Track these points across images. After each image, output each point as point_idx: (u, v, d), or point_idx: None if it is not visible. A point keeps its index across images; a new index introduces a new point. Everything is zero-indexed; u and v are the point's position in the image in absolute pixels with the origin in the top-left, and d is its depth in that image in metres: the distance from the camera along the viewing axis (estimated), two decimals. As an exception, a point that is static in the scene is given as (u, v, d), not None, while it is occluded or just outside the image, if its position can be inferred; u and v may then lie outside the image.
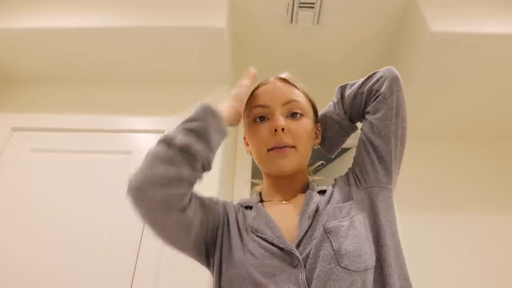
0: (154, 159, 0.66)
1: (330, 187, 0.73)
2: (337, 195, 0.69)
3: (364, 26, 1.81)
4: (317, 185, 0.76)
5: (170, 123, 1.65)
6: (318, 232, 0.60)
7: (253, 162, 1.99)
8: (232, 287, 0.59)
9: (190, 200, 0.63)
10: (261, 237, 0.63)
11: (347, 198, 0.69)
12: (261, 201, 0.76)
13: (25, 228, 1.41)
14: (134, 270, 1.31)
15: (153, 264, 1.32)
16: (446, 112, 1.84)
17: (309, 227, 0.62)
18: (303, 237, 0.61)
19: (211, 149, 0.65)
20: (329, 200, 0.68)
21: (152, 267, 1.31)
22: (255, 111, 0.74)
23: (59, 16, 1.61)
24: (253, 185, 2.04)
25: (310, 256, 0.58)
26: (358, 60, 2.02)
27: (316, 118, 0.80)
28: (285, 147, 0.69)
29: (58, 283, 1.30)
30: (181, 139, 0.65)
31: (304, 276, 0.56)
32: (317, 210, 0.65)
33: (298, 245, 0.60)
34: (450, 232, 1.71)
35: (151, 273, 1.30)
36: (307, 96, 0.78)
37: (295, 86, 0.76)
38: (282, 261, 0.59)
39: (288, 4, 1.71)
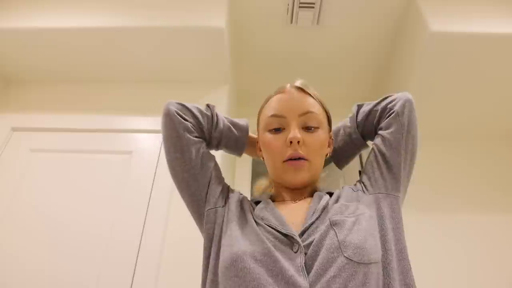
0: (194, 106, 0.80)
1: (337, 190, 0.75)
2: (344, 197, 0.71)
3: (364, 26, 1.81)
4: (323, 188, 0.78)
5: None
6: (323, 225, 0.61)
7: (253, 162, 1.99)
8: (234, 263, 0.59)
9: (202, 145, 0.77)
10: (266, 224, 0.65)
11: (355, 200, 0.70)
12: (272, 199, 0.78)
13: (25, 228, 1.41)
14: (134, 270, 1.31)
15: (153, 264, 1.32)
16: (446, 112, 1.84)
17: (315, 220, 0.64)
18: (308, 227, 0.62)
19: (224, 138, 0.81)
20: (337, 200, 0.70)
21: (152, 267, 1.31)
22: (270, 121, 0.75)
23: (59, 16, 1.61)
24: (253, 185, 2.04)
25: (313, 244, 0.58)
26: (358, 60, 2.02)
27: (330, 127, 0.80)
28: (299, 159, 0.70)
29: (58, 283, 1.30)
30: (220, 114, 0.82)
31: (304, 261, 0.56)
32: (324, 208, 0.67)
33: (302, 234, 0.61)
34: (451, 232, 1.71)
35: (151, 273, 1.30)
36: (322, 105, 0.78)
37: (310, 95, 0.76)
38: (284, 246, 0.60)
39: (288, 4, 1.71)
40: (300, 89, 0.76)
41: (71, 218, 1.42)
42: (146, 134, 1.63)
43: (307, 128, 0.73)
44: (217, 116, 0.81)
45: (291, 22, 1.79)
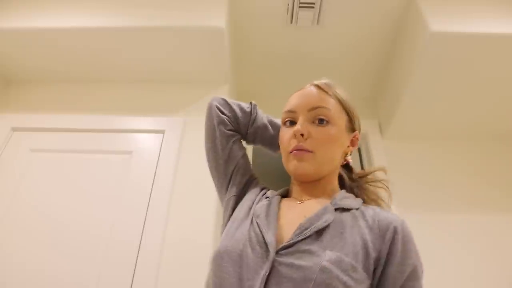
0: (236, 103, 0.88)
1: (356, 212, 0.67)
2: (359, 228, 0.64)
3: (364, 26, 1.81)
4: (346, 196, 0.73)
5: (170, 123, 1.66)
6: (309, 258, 0.57)
7: (253, 161, 1.99)
8: (215, 257, 0.63)
9: (235, 137, 0.84)
10: (257, 223, 0.66)
11: (360, 247, 0.61)
12: (285, 195, 0.79)
13: (25, 228, 1.41)
14: (134, 270, 1.31)
15: (153, 264, 1.32)
16: (446, 112, 1.84)
17: (302, 239, 0.60)
18: (291, 246, 0.60)
19: (260, 136, 0.86)
20: (342, 225, 0.64)
21: (152, 267, 1.31)
22: (284, 116, 0.78)
23: (59, 16, 1.61)
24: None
25: (288, 265, 0.57)
26: (358, 60, 2.02)
27: (353, 126, 0.79)
28: (302, 150, 0.70)
29: (58, 283, 1.30)
30: (260, 113, 0.88)
31: (267, 274, 0.56)
32: (321, 230, 0.61)
33: (283, 248, 0.59)
34: (451, 232, 1.71)
35: (151, 273, 1.30)
36: (342, 104, 0.77)
37: (326, 93, 0.76)
38: (262, 251, 0.60)
39: (288, 4, 1.71)
40: (317, 86, 0.78)
41: (71, 218, 1.42)
42: (146, 134, 1.63)
43: (319, 122, 0.73)
44: (256, 114, 0.86)
45: (291, 22, 1.79)
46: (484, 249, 1.67)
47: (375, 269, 0.61)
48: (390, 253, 0.62)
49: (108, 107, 1.74)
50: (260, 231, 0.63)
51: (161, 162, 1.54)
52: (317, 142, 0.71)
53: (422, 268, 0.64)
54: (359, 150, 2.12)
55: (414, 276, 0.62)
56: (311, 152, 0.70)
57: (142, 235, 1.38)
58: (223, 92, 1.75)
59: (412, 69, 1.64)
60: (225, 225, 0.74)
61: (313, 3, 1.68)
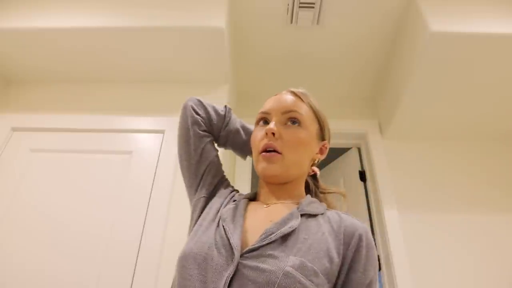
0: (211, 105, 0.88)
1: (321, 218, 0.69)
2: (321, 233, 0.65)
3: (364, 26, 1.81)
4: (312, 201, 0.74)
5: (170, 123, 1.66)
6: (274, 262, 0.57)
7: (252, 162, 1.99)
8: (180, 259, 0.64)
9: (208, 137, 0.85)
10: (223, 226, 0.66)
11: (324, 253, 0.62)
12: (253, 199, 0.79)
13: (25, 228, 1.41)
14: (134, 270, 1.31)
15: (153, 264, 1.32)
16: (446, 112, 1.84)
17: (267, 244, 0.61)
18: (256, 249, 0.60)
19: (230, 137, 0.87)
20: (306, 230, 0.65)
21: (152, 267, 1.31)
22: (258, 116, 0.79)
23: (59, 16, 1.61)
24: (252, 185, 2.04)
25: (252, 268, 0.57)
26: (358, 60, 2.02)
27: (322, 135, 0.81)
28: (273, 151, 0.71)
29: (58, 283, 1.30)
30: (234, 117, 0.89)
31: (231, 277, 0.57)
32: (286, 235, 0.62)
33: (248, 251, 0.60)
34: (450, 232, 1.71)
35: (151, 273, 1.30)
36: (314, 112, 0.79)
37: (301, 100, 0.78)
38: (227, 254, 0.60)
39: (288, 4, 1.71)
40: (293, 93, 0.80)
41: (71, 218, 1.42)
42: (146, 134, 1.63)
43: (288, 124, 0.75)
44: (230, 118, 0.87)
45: (291, 22, 1.79)
46: (484, 249, 1.67)
47: (338, 274, 0.62)
48: (354, 260, 0.63)
49: (108, 107, 1.74)
50: (226, 234, 0.64)
51: (161, 162, 1.54)
52: (287, 144, 0.72)
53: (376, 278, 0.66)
54: (359, 150, 2.13)
55: (373, 285, 0.65)
56: (280, 154, 0.71)
57: (142, 235, 1.38)
58: (223, 92, 1.75)
59: (412, 69, 1.64)
60: (193, 226, 0.74)
61: (313, 3, 1.68)
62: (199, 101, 0.86)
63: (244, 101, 2.15)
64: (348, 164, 2.11)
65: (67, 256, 1.34)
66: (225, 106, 0.89)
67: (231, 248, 0.61)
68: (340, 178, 2.13)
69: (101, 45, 1.65)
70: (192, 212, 0.79)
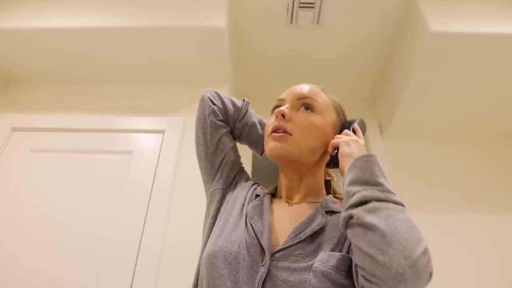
0: (228, 97, 0.89)
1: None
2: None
3: (364, 26, 1.81)
4: (334, 201, 0.73)
5: (170, 123, 1.66)
6: (304, 260, 0.58)
7: (253, 160, 1.98)
8: (209, 257, 0.62)
9: (226, 129, 0.84)
10: (252, 226, 0.65)
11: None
12: (274, 195, 0.78)
13: (25, 228, 1.41)
14: (134, 270, 1.31)
15: (153, 264, 1.32)
16: (446, 112, 1.84)
17: (297, 243, 0.61)
18: (285, 249, 0.60)
19: (248, 132, 0.86)
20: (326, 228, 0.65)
21: (152, 267, 1.31)
22: (274, 104, 0.79)
23: (59, 16, 1.61)
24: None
25: (283, 268, 0.57)
26: (358, 60, 2.02)
27: (340, 126, 0.78)
28: (282, 132, 0.70)
29: (58, 283, 1.30)
30: (251, 110, 0.89)
31: (263, 278, 0.56)
32: (315, 233, 0.63)
33: (278, 251, 0.60)
34: (450, 232, 1.71)
35: (151, 273, 1.30)
36: (333, 103, 0.78)
37: (320, 90, 0.78)
38: (257, 255, 0.60)
39: (288, 4, 1.71)
40: (311, 84, 0.80)
41: (71, 218, 1.42)
42: (146, 134, 1.63)
43: (302, 109, 0.74)
44: (247, 110, 0.87)
45: (291, 22, 1.79)
46: (484, 249, 1.67)
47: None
48: None
49: (108, 107, 1.74)
50: (255, 234, 0.63)
51: (161, 162, 1.54)
52: (297, 125, 0.71)
53: None
54: (359, 150, 2.12)
55: None
56: (290, 135, 0.70)
57: (142, 235, 1.38)
58: (223, 92, 1.74)
59: (412, 69, 1.64)
60: (212, 219, 0.74)
61: (313, 3, 1.68)
62: (216, 92, 0.87)
63: (244, 101, 2.15)
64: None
65: (67, 256, 1.34)
66: (243, 100, 0.89)
67: (262, 248, 0.60)
68: (340, 178, 2.12)
69: (101, 45, 1.65)
70: (209, 203, 0.79)
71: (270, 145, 0.72)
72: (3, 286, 1.31)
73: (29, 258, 1.35)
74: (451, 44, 1.51)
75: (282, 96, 0.78)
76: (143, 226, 1.39)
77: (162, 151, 1.57)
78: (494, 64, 1.59)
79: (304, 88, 0.77)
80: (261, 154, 0.87)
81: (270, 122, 0.75)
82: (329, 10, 1.73)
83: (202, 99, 0.86)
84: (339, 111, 0.79)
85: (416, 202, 1.80)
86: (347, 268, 0.57)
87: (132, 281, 1.29)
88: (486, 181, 1.86)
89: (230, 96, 0.89)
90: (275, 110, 0.75)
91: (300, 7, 1.70)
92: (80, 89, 1.80)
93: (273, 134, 0.71)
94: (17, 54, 1.69)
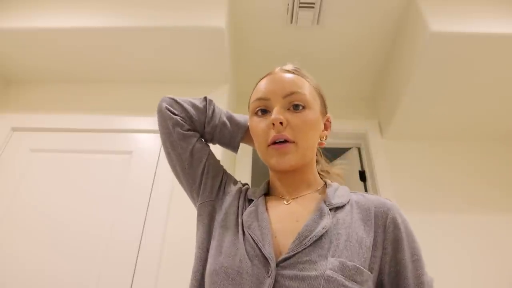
0: (187, 100, 0.79)
1: (348, 206, 0.66)
2: (351, 227, 0.62)
3: (364, 26, 1.81)
4: (335, 188, 0.71)
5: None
6: (313, 269, 0.55)
7: (253, 158, 1.99)
8: (211, 275, 0.60)
9: (195, 135, 0.77)
10: (251, 235, 0.62)
11: (365, 249, 0.60)
12: (267, 193, 0.74)
13: (25, 228, 1.41)
14: (134, 270, 1.31)
15: (153, 264, 1.32)
16: (446, 112, 1.84)
17: (302, 250, 0.57)
18: (291, 257, 0.57)
19: (217, 132, 0.79)
20: (344, 224, 0.62)
21: (152, 267, 1.31)
22: (255, 104, 0.72)
23: (59, 16, 1.61)
24: (252, 181, 2.02)
25: (291, 277, 0.54)
26: (358, 60, 2.02)
27: (325, 109, 0.76)
28: (285, 141, 0.65)
29: (58, 283, 1.30)
30: (218, 109, 0.81)
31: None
32: (320, 236, 0.59)
33: (283, 260, 0.57)
34: (450, 232, 1.71)
35: (151, 273, 1.30)
36: (314, 86, 0.74)
37: (300, 77, 0.73)
38: (261, 265, 0.57)
39: (288, 4, 1.71)
40: (288, 71, 0.74)
41: (71, 218, 1.42)
42: (146, 134, 1.63)
43: (293, 108, 0.68)
44: (212, 111, 0.78)
45: (291, 22, 1.79)
46: (484, 249, 1.67)
47: (381, 259, 0.61)
48: (395, 240, 0.63)
49: (108, 107, 1.74)
50: (256, 244, 0.60)
51: (161, 162, 1.54)
52: (297, 130, 0.66)
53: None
54: (359, 150, 2.13)
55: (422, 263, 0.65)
56: (293, 142, 0.66)
57: (142, 235, 1.38)
58: (223, 92, 1.75)
59: (412, 69, 1.64)
60: (206, 234, 0.70)
61: (313, 3, 1.68)
62: (172, 99, 0.77)
63: (244, 101, 2.13)
64: (348, 164, 2.11)
65: (67, 256, 1.34)
66: (205, 98, 0.80)
67: (265, 259, 0.57)
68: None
69: (101, 45, 1.65)
70: (198, 216, 0.73)
71: (275, 159, 0.66)
72: (3, 286, 1.31)
73: (29, 258, 1.35)
74: (451, 44, 1.52)
75: (263, 95, 0.70)
76: (143, 226, 1.39)
77: (162, 151, 1.57)
78: (494, 64, 1.59)
79: (286, 80, 0.71)
80: (236, 152, 0.83)
81: (262, 128, 0.68)
82: (329, 10, 1.73)
83: (160, 110, 0.76)
84: (320, 93, 0.76)
85: (416, 202, 1.80)
86: (360, 279, 0.55)
87: (132, 281, 1.29)
88: (486, 181, 1.86)
89: (188, 97, 0.80)
90: (261, 115, 0.70)
91: (300, 7, 1.70)
92: (80, 89, 1.80)
93: (275, 146, 0.66)
94: (17, 54, 1.69)
